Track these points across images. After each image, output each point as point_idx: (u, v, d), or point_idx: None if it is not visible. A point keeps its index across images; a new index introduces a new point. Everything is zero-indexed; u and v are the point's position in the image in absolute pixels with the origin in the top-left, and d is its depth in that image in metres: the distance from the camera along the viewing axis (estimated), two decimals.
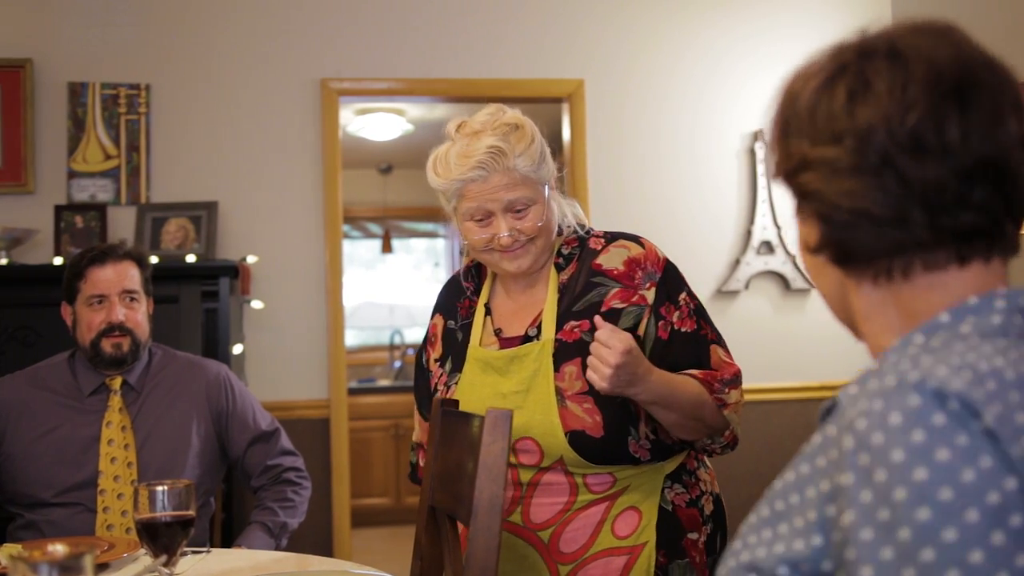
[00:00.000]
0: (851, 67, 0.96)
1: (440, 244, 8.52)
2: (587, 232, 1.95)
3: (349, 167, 6.07)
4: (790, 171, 0.99)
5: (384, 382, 7.81)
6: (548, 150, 1.90)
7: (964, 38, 0.95)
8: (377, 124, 6.43)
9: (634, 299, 1.83)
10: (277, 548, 2.51)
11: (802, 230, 1.02)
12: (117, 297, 2.48)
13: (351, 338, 8.10)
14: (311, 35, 4.36)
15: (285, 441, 2.66)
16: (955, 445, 0.80)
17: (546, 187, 1.88)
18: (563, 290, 1.90)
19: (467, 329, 1.97)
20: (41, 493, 2.41)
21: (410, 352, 8.23)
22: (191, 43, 4.28)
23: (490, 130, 1.83)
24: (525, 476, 1.86)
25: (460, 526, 1.88)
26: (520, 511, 1.87)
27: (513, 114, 1.88)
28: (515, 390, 1.85)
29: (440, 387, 2.00)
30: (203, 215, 4.03)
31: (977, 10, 3.12)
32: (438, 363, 2.02)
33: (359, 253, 8.40)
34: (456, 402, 2.01)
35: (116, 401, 2.49)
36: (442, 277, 8.44)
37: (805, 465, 0.94)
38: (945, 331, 0.91)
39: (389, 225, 8.27)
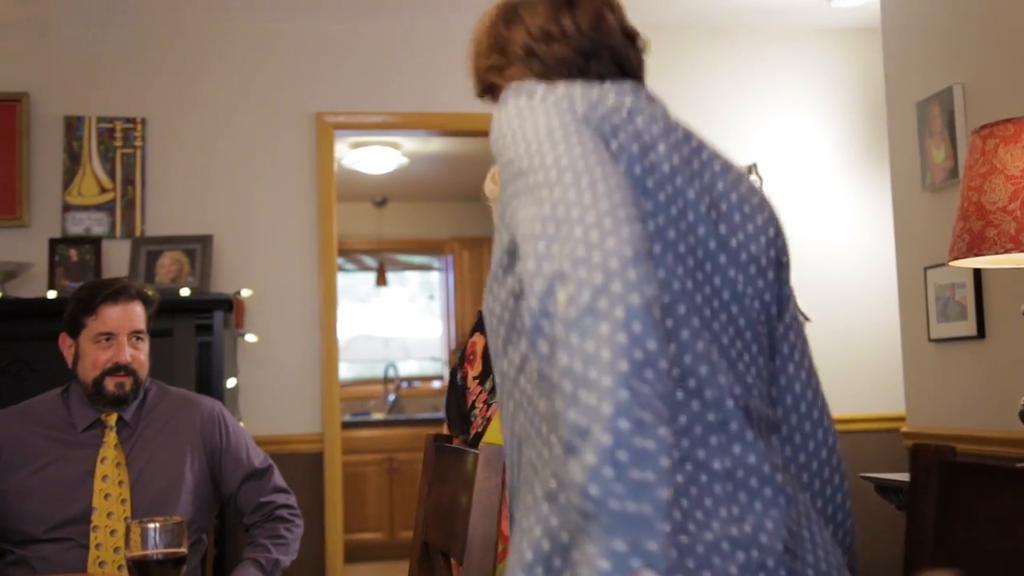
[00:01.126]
0: (507, 10, 1.40)
1: (435, 277, 8.52)
2: None
3: (344, 200, 6.07)
4: (483, 83, 1.43)
5: (378, 415, 7.79)
6: None
7: None
8: (372, 157, 6.44)
9: None
10: None
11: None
12: (126, 337, 2.48)
13: (345, 371, 8.08)
14: (306, 69, 4.38)
15: (278, 478, 2.65)
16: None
17: None
18: None
19: None
20: (32, 529, 2.39)
21: (404, 385, 8.21)
22: (187, 77, 4.30)
23: None
24: None
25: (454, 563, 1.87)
26: None
27: None
28: None
29: (479, 405, 2.03)
30: (198, 248, 4.03)
31: (968, 33, 3.15)
32: (477, 381, 2.06)
33: (353, 286, 8.39)
34: (449, 437, 2.01)
35: (111, 437, 2.48)
36: (437, 310, 8.44)
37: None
38: None
39: (384, 258, 8.27)
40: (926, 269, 3.30)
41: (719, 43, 4.59)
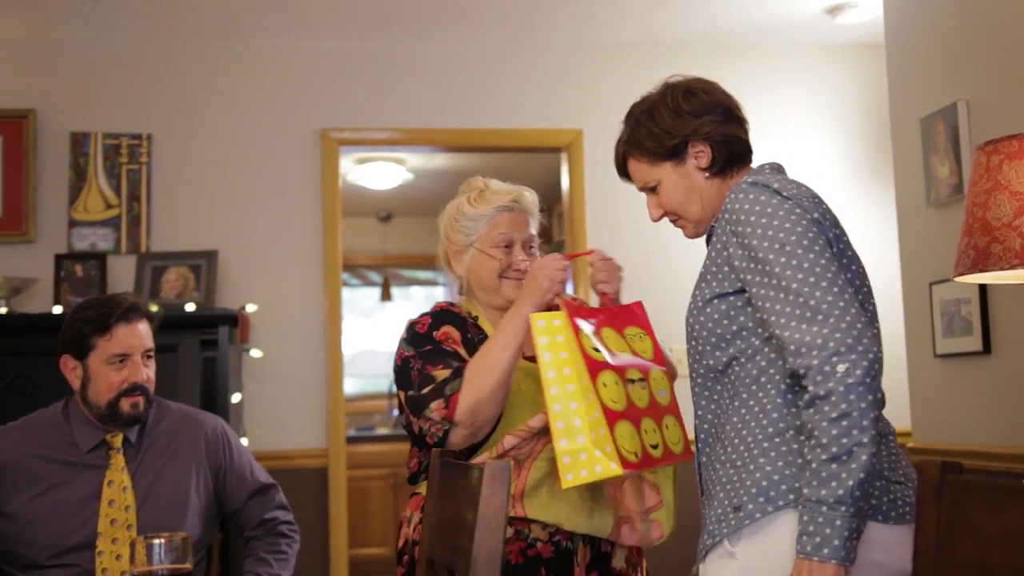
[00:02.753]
0: (686, 90, 1.96)
1: (439, 292, 8.52)
2: None
3: (349, 215, 6.09)
4: (687, 135, 1.90)
5: (383, 430, 7.77)
6: None
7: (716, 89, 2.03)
8: (377, 173, 6.46)
9: None
10: None
11: (697, 160, 1.91)
12: (140, 356, 2.45)
13: (350, 386, 8.06)
14: (311, 86, 4.40)
15: (280, 496, 2.64)
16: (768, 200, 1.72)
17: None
18: None
19: None
20: (36, 555, 2.34)
21: None
22: (192, 94, 4.32)
23: (510, 185, 2.31)
24: None
25: None
26: None
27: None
28: None
29: None
30: (203, 264, 4.04)
31: (972, 49, 3.16)
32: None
33: (358, 301, 8.40)
34: (454, 453, 2.01)
35: (119, 460, 2.43)
36: None
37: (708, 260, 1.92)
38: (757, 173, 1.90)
39: (388, 273, 8.28)
40: (931, 284, 3.30)
41: (723, 60, 4.60)
